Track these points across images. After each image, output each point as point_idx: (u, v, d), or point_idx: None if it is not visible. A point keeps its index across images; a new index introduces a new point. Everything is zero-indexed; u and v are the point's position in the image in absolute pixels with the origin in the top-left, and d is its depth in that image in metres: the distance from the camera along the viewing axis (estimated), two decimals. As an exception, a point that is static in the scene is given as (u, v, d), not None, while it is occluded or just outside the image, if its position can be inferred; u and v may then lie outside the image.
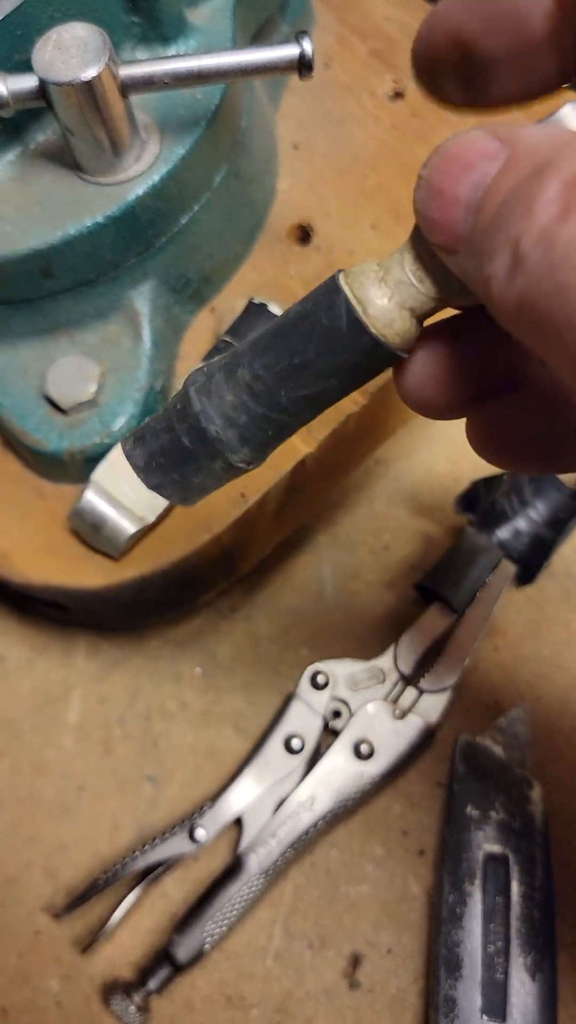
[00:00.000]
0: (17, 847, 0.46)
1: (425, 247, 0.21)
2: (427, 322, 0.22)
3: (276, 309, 0.39)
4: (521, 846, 0.41)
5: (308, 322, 0.22)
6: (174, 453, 0.24)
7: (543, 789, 0.42)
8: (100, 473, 0.38)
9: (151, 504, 0.39)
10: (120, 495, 0.38)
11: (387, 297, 0.21)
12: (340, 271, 0.22)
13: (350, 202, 0.45)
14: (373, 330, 0.21)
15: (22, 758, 0.48)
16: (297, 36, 0.35)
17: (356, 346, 0.21)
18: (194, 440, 0.23)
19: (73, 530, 0.40)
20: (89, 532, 0.38)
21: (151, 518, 0.39)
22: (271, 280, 0.44)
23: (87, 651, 0.50)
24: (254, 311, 0.40)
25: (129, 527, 0.38)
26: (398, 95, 0.48)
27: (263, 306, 0.40)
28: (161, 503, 0.39)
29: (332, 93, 0.49)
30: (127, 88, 0.35)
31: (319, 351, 0.22)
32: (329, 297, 0.22)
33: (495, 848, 0.41)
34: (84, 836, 0.46)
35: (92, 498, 0.38)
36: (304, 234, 0.45)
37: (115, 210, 0.37)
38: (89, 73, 0.33)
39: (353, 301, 0.21)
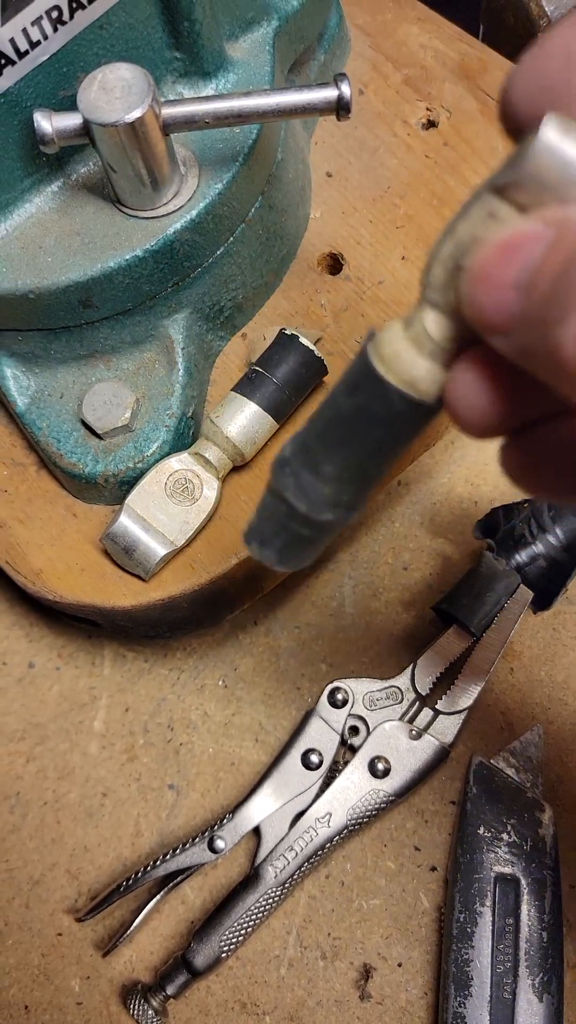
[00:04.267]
0: (42, 849, 0.48)
1: (449, 312, 0.22)
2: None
3: (306, 341, 0.40)
4: (531, 868, 0.42)
5: (367, 416, 0.23)
6: (297, 542, 0.27)
7: (554, 812, 0.44)
8: (133, 498, 0.40)
9: (181, 528, 0.40)
10: (152, 519, 0.40)
11: (427, 370, 0.22)
12: (372, 356, 0.22)
13: (381, 232, 0.46)
14: (426, 400, 0.22)
15: (48, 762, 0.49)
16: (336, 79, 0.36)
17: (415, 416, 0.23)
18: (310, 528, 0.26)
19: (105, 551, 0.41)
20: (121, 555, 0.40)
21: (181, 541, 0.40)
22: (301, 309, 0.45)
23: (113, 661, 0.51)
24: (284, 342, 0.41)
25: (160, 550, 0.39)
26: (431, 124, 0.49)
27: (295, 337, 0.41)
28: (190, 528, 0.40)
29: (366, 121, 0.49)
30: (168, 127, 0.36)
31: (385, 434, 0.23)
32: (378, 389, 0.23)
33: (506, 869, 0.42)
34: (107, 840, 0.47)
35: (125, 522, 0.39)
36: (335, 263, 0.46)
37: (154, 244, 0.38)
38: (133, 115, 0.34)
39: (403, 388, 0.22)
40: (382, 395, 0.22)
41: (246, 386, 0.41)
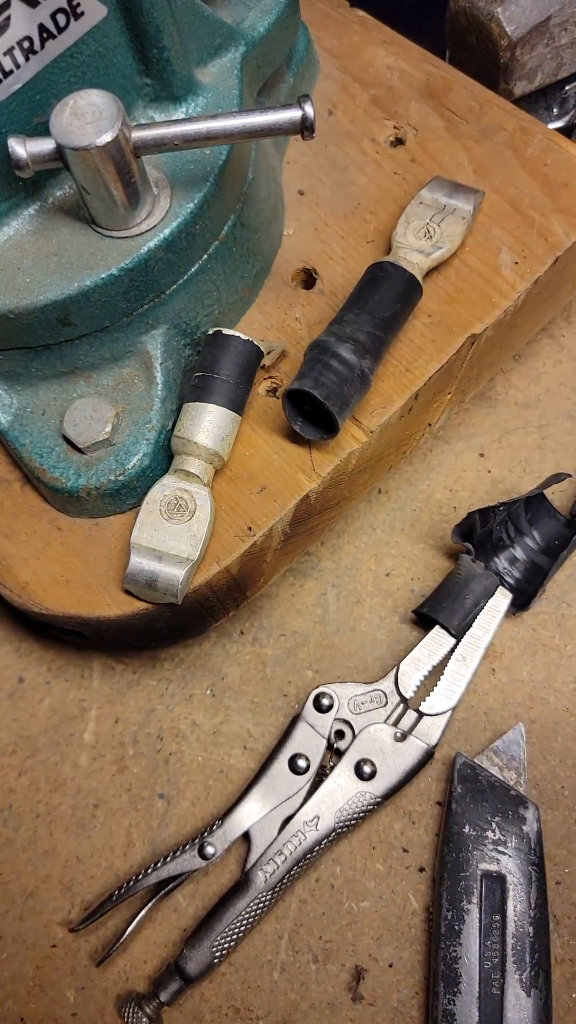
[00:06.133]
0: (35, 861, 0.48)
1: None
2: None
3: (231, 331, 0.41)
4: (517, 865, 0.43)
5: (378, 283, 0.43)
6: (336, 377, 0.40)
7: (538, 808, 0.44)
8: (136, 534, 0.40)
9: (190, 542, 0.40)
10: (161, 546, 0.40)
11: (419, 265, 0.44)
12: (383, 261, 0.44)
13: (353, 246, 0.48)
14: (407, 270, 0.43)
15: (39, 775, 0.50)
16: (299, 100, 0.37)
17: (398, 279, 0.43)
18: (339, 362, 0.40)
19: (126, 590, 0.41)
20: (146, 590, 0.40)
21: (196, 555, 0.40)
22: (277, 323, 0.46)
23: (102, 673, 0.52)
24: (214, 341, 0.41)
25: (178, 571, 0.39)
26: (399, 141, 0.50)
27: (219, 332, 0.41)
28: (198, 539, 0.40)
29: (336, 140, 0.51)
30: (139, 150, 0.37)
31: (388, 292, 0.42)
32: (379, 266, 0.43)
33: (491, 867, 0.43)
34: (99, 851, 0.48)
35: (138, 560, 0.40)
36: (309, 278, 0.48)
37: (128, 262, 0.39)
38: (104, 139, 0.35)
39: (392, 260, 0.44)
40: (382, 267, 0.43)
41: (195, 394, 0.41)
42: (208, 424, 0.40)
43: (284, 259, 0.48)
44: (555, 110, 0.58)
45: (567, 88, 0.58)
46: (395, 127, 0.51)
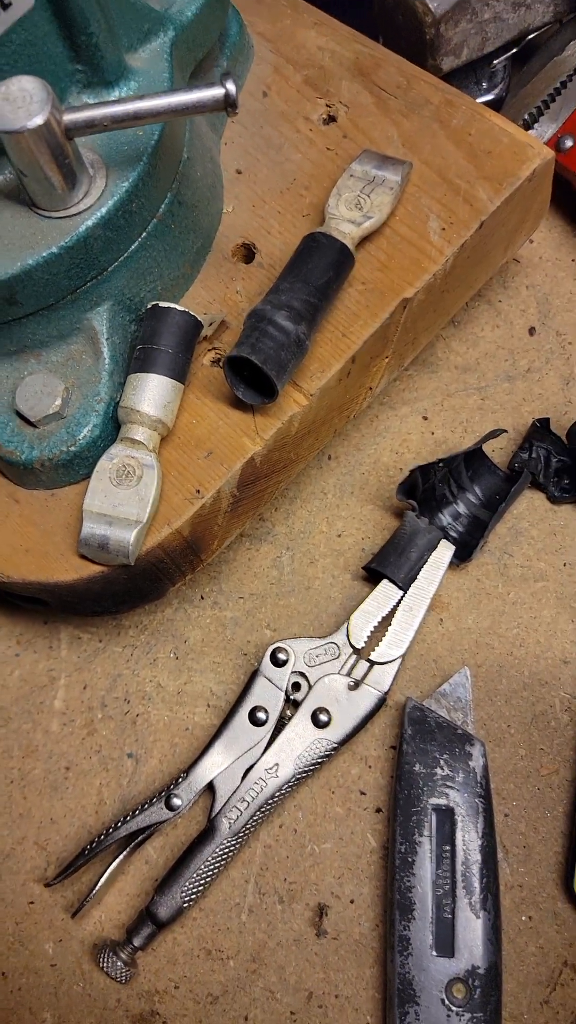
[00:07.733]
0: (11, 824, 0.50)
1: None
2: None
3: (168, 303, 0.43)
4: (464, 798, 0.45)
5: (311, 253, 0.45)
6: (272, 343, 0.42)
7: (484, 745, 0.47)
8: (88, 501, 0.42)
9: (139, 505, 0.42)
10: (111, 511, 0.42)
11: (351, 235, 0.46)
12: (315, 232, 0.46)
13: (289, 221, 0.50)
14: (339, 240, 0.45)
15: (12, 743, 0.52)
16: (221, 78, 0.39)
17: (337, 248, 0.45)
18: (276, 329, 0.42)
19: (81, 555, 0.43)
20: (100, 554, 0.42)
21: (144, 516, 0.42)
22: (219, 297, 0.48)
23: (69, 643, 0.54)
24: (152, 315, 0.43)
25: (127, 534, 0.41)
26: (331, 119, 0.53)
27: (156, 306, 0.43)
28: (147, 502, 0.42)
29: (271, 120, 0.53)
30: (71, 131, 0.39)
31: (320, 261, 0.44)
32: (311, 237, 0.45)
33: (441, 801, 0.45)
34: (72, 811, 0.50)
35: (90, 526, 0.42)
36: (248, 252, 0.50)
37: (68, 241, 0.41)
38: (35, 122, 0.37)
39: (323, 230, 0.46)
40: (314, 238, 0.45)
41: (137, 365, 0.43)
42: (151, 393, 0.42)
43: (224, 235, 0.50)
44: (484, 84, 0.60)
45: (495, 62, 0.60)
46: (327, 105, 0.53)
